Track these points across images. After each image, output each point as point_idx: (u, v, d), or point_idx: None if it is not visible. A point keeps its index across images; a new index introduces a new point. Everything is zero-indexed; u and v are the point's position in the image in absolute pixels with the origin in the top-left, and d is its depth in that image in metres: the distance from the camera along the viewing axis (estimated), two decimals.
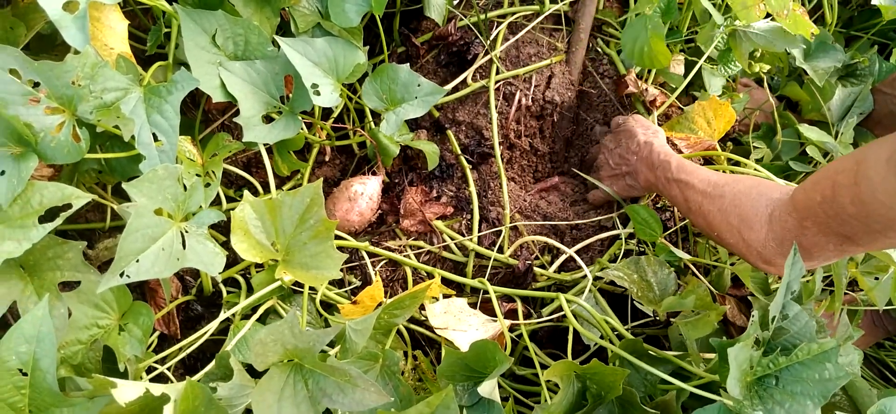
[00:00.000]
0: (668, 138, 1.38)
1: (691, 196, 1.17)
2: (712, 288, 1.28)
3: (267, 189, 1.26)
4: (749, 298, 1.30)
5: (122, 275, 0.86)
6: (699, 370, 1.06)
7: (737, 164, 1.40)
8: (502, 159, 1.45)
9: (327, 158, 1.42)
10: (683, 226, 1.44)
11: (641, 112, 1.49)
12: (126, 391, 0.86)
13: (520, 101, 1.45)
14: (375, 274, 1.33)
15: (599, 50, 1.56)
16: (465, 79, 1.43)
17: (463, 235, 1.39)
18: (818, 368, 0.86)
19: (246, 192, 1.03)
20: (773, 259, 1.02)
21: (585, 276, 1.31)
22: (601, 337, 1.21)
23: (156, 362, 1.14)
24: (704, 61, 1.49)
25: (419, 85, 1.26)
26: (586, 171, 1.50)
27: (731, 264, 1.34)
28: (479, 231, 1.39)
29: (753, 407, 0.88)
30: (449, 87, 1.40)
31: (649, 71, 1.52)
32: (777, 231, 1.00)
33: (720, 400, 0.93)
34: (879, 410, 0.96)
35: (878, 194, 0.82)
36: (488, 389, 0.98)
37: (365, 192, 1.34)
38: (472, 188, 1.41)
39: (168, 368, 1.14)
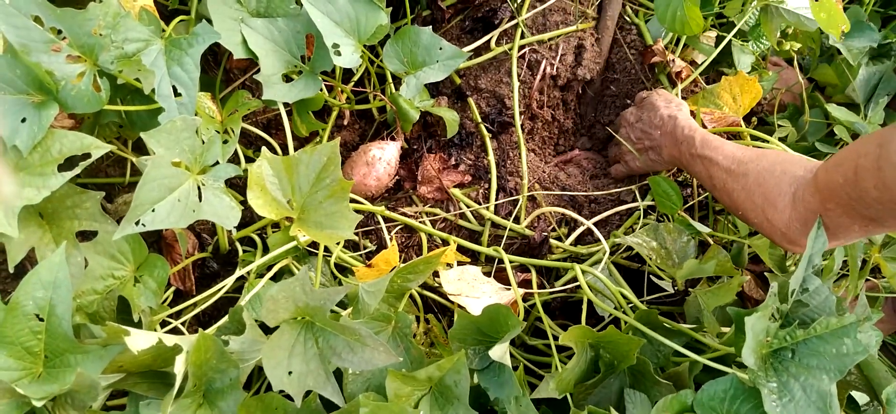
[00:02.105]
0: (692, 112, 1.36)
1: (715, 173, 1.16)
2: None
3: (285, 151, 1.25)
4: (766, 274, 1.28)
5: (137, 223, 0.86)
6: (714, 343, 1.04)
7: (761, 140, 1.37)
8: (523, 130, 1.44)
9: (346, 122, 1.41)
10: (702, 201, 1.42)
11: (665, 85, 1.47)
12: (139, 340, 0.87)
13: (545, 70, 1.43)
14: (391, 239, 1.33)
15: (628, 18, 1.54)
16: (489, 43, 1.42)
17: (480, 204, 1.38)
18: (836, 343, 0.85)
19: (264, 149, 1.03)
20: (797, 239, 1.00)
21: (602, 248, 1.30)
22: (615, 308, 1.20)
23: (170, 317, 1.16)
24: (734, 37, 1.46)
25: (441, 48, 1.25)
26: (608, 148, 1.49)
27: (750, 238, 1.32)
28: (497, 201, 1.38)
29: (767, 379, 0.87)
30: (470, 48, 1.38)
31: (677, 43, 1.49)
32: (801, 211, 0.98)
33: (733, 372, 0.92)
34: None
35: None
36: (499, 352, 0.98)
37: (383, 157, 1.34)
38: (491, 157, 1.40)
39: (182, 323, 1.15)
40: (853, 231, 0.94)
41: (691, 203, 1.40)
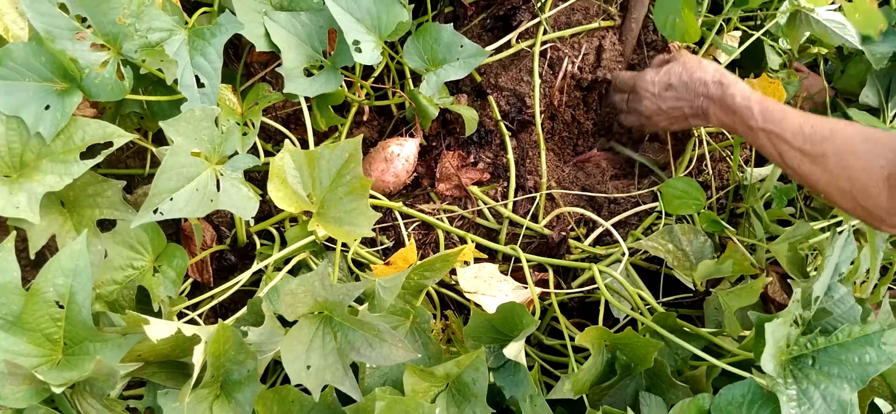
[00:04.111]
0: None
1: (786, 151, 1.05)
2: (753, 261, 1.25)
3: (305, 145, 1.26)
4: (789, 281, 1.27)
5: (155, 211, 0.87)
6: (733, 347, 1.03)
7: None
8: (543, 130, 1.43)
9: (365, 118, 1.41)
10: (720, 200, 1.41)
11: None
12: (158, 329, 0.87)
13: (566, 68, 1.43)
14: (409, 236, 1.33)
15: (650, 15, 1.53)
16: (509, 41, 1.41)
17: (498, 202, 1.37)
18: (859, 351, 0.84)
19: (287, 142, 1.03)
20: None
21: (621, 249, 1.29)
22: (633, 310, 1.19)
23: (187, 308, 1.16)
24: (762, 36, 1.45)
25: (462, 46, 1.24)
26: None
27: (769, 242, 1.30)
28: (515, 199, 1.38)
29: (787, 386, 0.86)
30: (492, 47, 1.37)
31: (700, 43, 1.48)
32: None
33: (751, 377, 0.91)
34: None
35: None
36: (514, 350, 0.98)
37: (401, 153, 1.34)
38: (510, 156, 1.39)
39: (199, 315, 1.15)
40: None
41: (710, 202, 1.39)
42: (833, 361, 0.86)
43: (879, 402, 1.07)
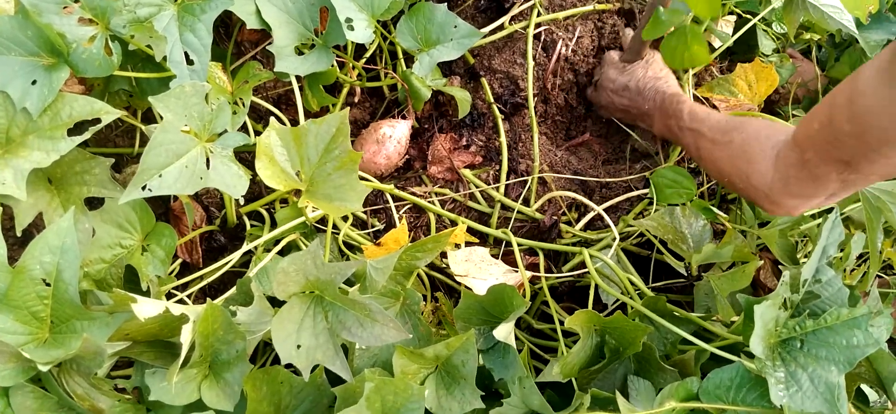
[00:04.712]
0: (707, 99, 1.35)
1: (702, 143, 1.18)
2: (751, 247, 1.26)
3: (296, 126, 1.25)
4: (780, 267, 1.27)
5: (144, 188, 0.86)
6: (722, 331, 1.04)
7: None
8: (536, 113, 1.42)
9: (357, 100, 1.40)
10: (712, 188, 1.41)
11: (680, 74, 1.45)
12: (146, 308, 0.86)
13: (560, 51, 1.42)
14: (400, 218, 1.32)
15: None
16: (503, 22, 1.40)
17: (490, 186, 1.37)
18: (846, 334, 0.84)
19: (272, 119, 1.03)
20: (779, 200, 1.03)
21: (612, 234, 1.29)
22: (622, 294, 1.19)
23: (176, 289, 1.15)
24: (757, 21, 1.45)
25: (456, 26, 1.23)
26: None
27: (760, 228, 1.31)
28: (507, 182, 1.37)
29: (775, 368, 0.86)
30: (486, 29, 1.37)
31: None
32: (782, 170, 1.01)
33: (739, 361, 0.91)
34: None
35: (871, 106, 0.83)
36: (504, 332, 0.97)
37: (393, 135, 1.33)
38: (503, 139, 1.39)
39: (188, 295, 1.15)
40: (830, 181, 0.95)
41: (701, 190, 1.39)
42: (821, 344, 0.86)
43: (865, 389, 1.08)
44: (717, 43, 1.49)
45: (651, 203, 1.36)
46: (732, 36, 1.44)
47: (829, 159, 0.93)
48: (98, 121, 0.93)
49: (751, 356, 0.90)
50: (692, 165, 1.46)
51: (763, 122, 1.10)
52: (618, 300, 1.26)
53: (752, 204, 1.32)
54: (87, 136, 0.92)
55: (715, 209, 1.24)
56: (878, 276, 1.47)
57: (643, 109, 1.35)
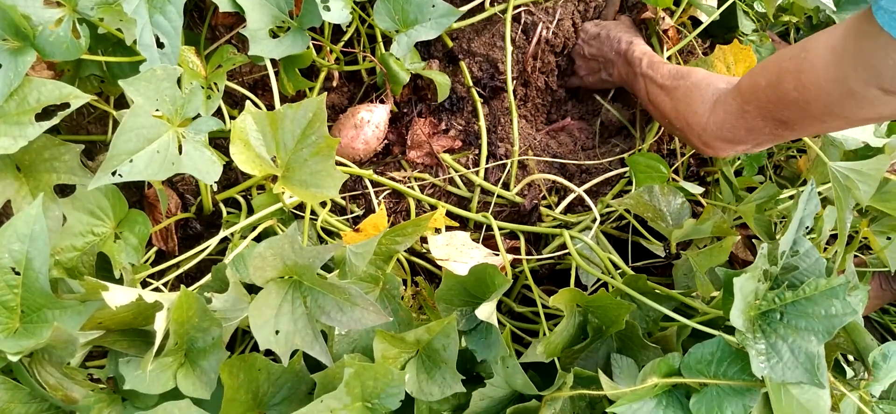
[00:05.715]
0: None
1: (651, 88, 1.25)
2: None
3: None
4: (754, 241, 1.28)
5: (114, 174, 0.84)
6: (703, 306, 1.04)
7: None
8: (516, 96, 1.42)
9: (335, 84, 1.39)
10: (689, 166, 1.42)
11: (656, 46, 1.45)
12: (118, 295, 0.84)
13: (540, 34, 1.41)
14: (379, 203, 1.31)
15: None
16: (483, 3, 1.39)
17: (469, 170, 1.36)
18: (825, 304, 0.84)
19: (248, 103, 1.01)
20: (711, 142, 1.10)
21: (592, 215, 1.29)
22: (603, 273, 1.19)
23: (151, 277, 1.13)
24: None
25: (433, 6, 1.22)
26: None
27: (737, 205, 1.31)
28: (487, 167, 1.36)
29: (755, 341, 0.86)
30: (464, 9, 1.35)
31: (677, 3, 1.48)
32: (719, 115, 1.06)
33: (720, 334, 0.91)
34: (882, 354, 0.94)
35: (821, 81, 0.85)
36: (486, 312, 0.97)
37: (371, 119, 1.32)
38: (482, 123, 1.38)
39: (164, 283, 1.13)
40: (763, 134, 1.02)
41: (676, 166, 1.41)
42: (800, 315, 0.86)
43: (843, 365, 1.09)
44: (703, 18, 1.49)
45: (630, 184, 1.36)
46: (718, 10, 1.44)
47: (768, 116, 0.97)
48: (67, 106, 0.91)
49: (731, 331, 0.90)
50: (672, 145, 1.46)
51: (708, 73, 1.17)
52: (598, 281, 1.26)
53: (686, 143, 1.43)
54: (56, 121, 0.90)
55: (690, 186, 1.25)
56: (856, 255, 1.48)
57: (608, 57, 1.40)
